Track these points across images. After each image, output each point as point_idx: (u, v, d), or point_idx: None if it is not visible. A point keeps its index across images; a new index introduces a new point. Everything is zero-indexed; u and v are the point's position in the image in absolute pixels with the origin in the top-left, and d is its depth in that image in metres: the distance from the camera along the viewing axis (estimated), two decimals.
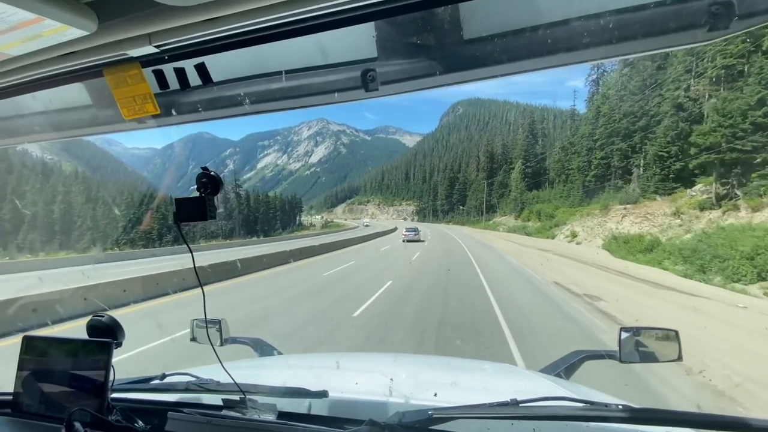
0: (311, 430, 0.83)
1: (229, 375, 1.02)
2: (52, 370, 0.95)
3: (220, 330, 1.62)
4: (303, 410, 1.04)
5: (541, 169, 61.22)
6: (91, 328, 1.00)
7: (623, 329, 1.44)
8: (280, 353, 1.92)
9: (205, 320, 1.30)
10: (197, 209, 0.73)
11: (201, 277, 1.00)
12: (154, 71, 0.69)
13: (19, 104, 0.98)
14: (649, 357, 1.42)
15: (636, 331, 1.43)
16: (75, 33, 0.51)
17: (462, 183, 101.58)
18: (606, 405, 0.85)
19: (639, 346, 1.42)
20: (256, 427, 0.82)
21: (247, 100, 0.76)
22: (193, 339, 1.77)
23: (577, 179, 42.26)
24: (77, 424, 0.77)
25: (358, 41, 0.80)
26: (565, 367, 1.61)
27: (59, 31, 0.50)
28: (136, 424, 0.91)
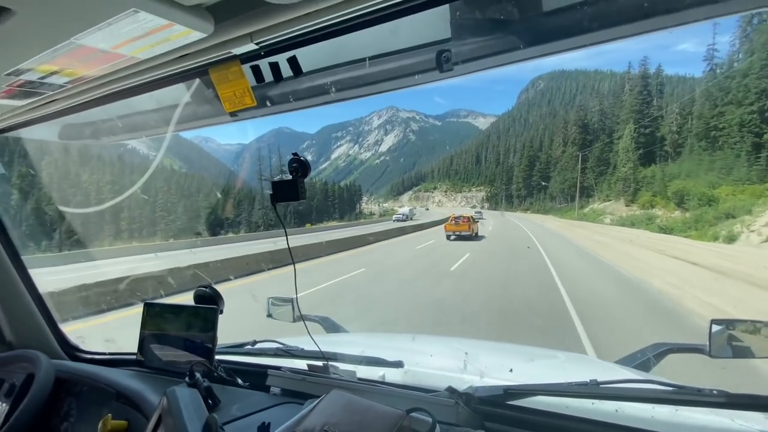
0: (393, 392, 0.89)
1: (315, 342, 1.13)
2: (168, 331, 1.15)
3: (292, 308, 1.71)
4: (378, 379, 1.12)
5: (656, 138, 43.42)
6: (198, 297, 1.19)
7: (714, 321, 1.25)
8: (345, 332, 2.03)
9: (284, 298, 1.44)
10: (290, 191, 0.83)
11: (292, 256, 1.10)
12: (251, 66, 0.79)
13: (136, 103, 1.17)
14: (743, 352, 1.22)
15: (730, 323, 1.24)
16: (195, 36, 0.61)
17: (544, 162, 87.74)
18: (698, 389, 0.78)
19: (732, 339, 1.23)
20: (344, 387, 0.91)
21: (333, 88, 0.83)
22: (269, 315, 1.88)
23: (738, 141, 26.30)
24: (198, 374, 0.92)
25: (432, 23, 0.82)
26: (643, 360, 1.47)
27: (183, 35, 0.60)
28: (237, 381, 1.07)
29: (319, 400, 0.70)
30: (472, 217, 22.24)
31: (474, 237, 19.82)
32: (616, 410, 0.86)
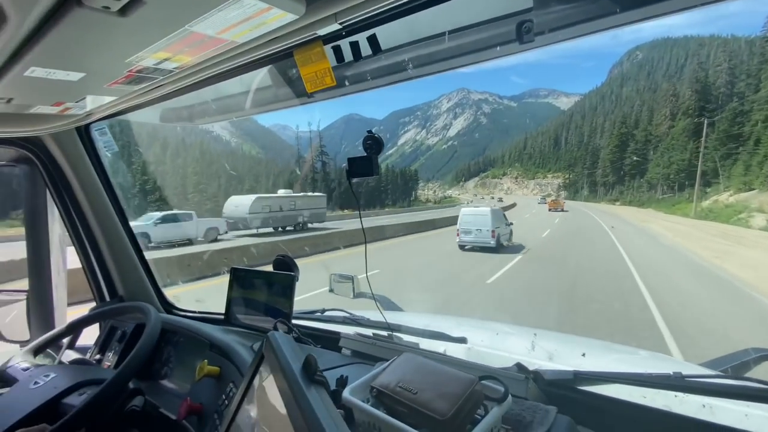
0: (459, 361, 0.90)
1: (381, 313, 1.18)
2: (251, 294, 1.28)
3: (352, 284, 1.77)
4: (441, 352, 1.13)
5: None
6: (277, 264, 1.30)
7: None
8: (401, 311, 2.06)
9: (350, 275, 1.50)
10: (365, 167, 0.87)
11: (365, 236, 1.13)
12: (332, 47, 0.82)
13: (225, 86, 1.28)
14: None
15: None
16: (288, 18, 0.65)
17: (641, 141, 73.80)
18: None
19: None
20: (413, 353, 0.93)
21: (410, 65, 0.84)
22: (331, 290, 1.94)
23: None
24: (279, 331, 1.02)
25: None
26: (733, 365, 1.27)
27: (277, 18, 0.64)
28: (311, 342, 1.16)
29: (391, 360, 0.73)
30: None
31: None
32: (704, 406, 0.77)
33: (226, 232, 17.37)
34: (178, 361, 1.31)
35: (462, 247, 13.46)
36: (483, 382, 0.65)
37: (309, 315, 1.42)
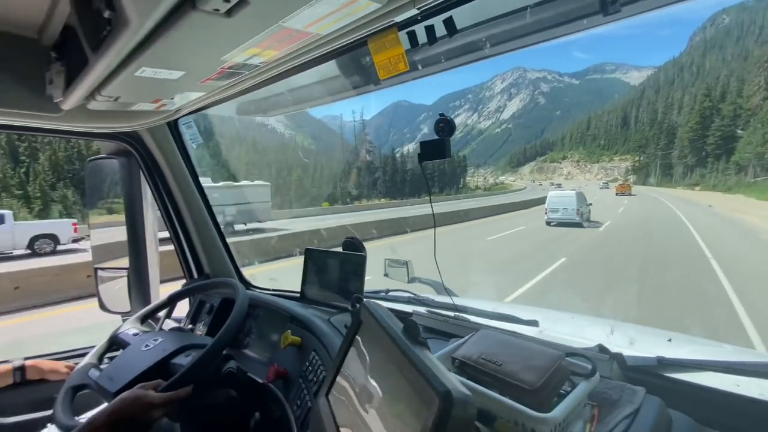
0: (537, 341, 0.90)
1: (448, 293, 1.20)
2: (324, 272, 1.36)
3: (407, 269, 1.79)
4: None
5: None
6: (346, 245, 1.37)
7: None
8: (457, 297, 2.05)
9: (399, 261, 1.55)
10: (437, 149, 0.88)
11: (435, 220, 1.14)
12: (407, 32, 0.83)
13: (300, 78, 1.35)
14: None
15: None
16: (372, 7, 0.67)
17: (728, 117, 65.21)
18: None
19: None
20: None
21: (487, 44, 0.83)
22: (386, 275, 1.96)
23: None
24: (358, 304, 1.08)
25: None
26: None
27: (362, 8, 0.67)
28: None
29: (469, 336, 0.75)
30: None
31: None
32: None
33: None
34: (259, 332, 1.44)
35: (548, 223, 16.98)
36: (568, 359, 0.65)
37: (375, 294, 1.48)
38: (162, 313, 1.50)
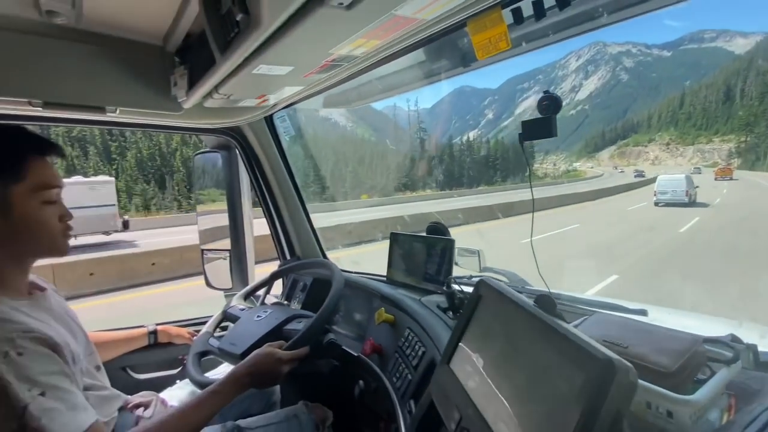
0: (652, 325, 0.84)
1: (543, 280, 1.16)
2: (410, 255, 1.40)
3: (478, 258, 1.80)
4: None
5: None
6: (431, 230, 1.39)
7: None
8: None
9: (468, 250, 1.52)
10: (542, 128, 0.86)
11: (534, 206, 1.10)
12: (511, 9, 0.82)
13: (388, 66, 1.37)
14: None
15: None
16: None
17: None
18: None
19: None
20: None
21: (604, 12, 0.78)
22: (456, 264, 2.04)
23: None
24: (454, 286, 1.09)
25: None
26: None
27: None
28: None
29: (581, 320, 0.74)
30: None
31: None
32: None
33: None
34: (347, 309, 1.53)
35: (656, 204, 18.99)
36: (705, 345, 0.61)
37: (459, 279, 1.49)
38: (262, 291, 1.67)
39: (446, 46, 1.20)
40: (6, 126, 0.85)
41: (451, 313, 1.05)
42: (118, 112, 1.38)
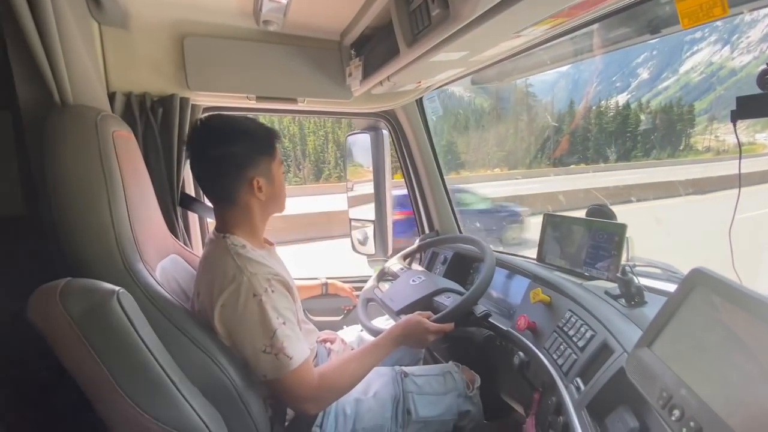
0: None
1: (736, 274, 1.02)
2: (566, 238, 1.35)
3: (626, 245, 1.59)
4: None
5: None
6: (591, 213, 1.32)
7: None
8: None
9: None
10: (763, 106, 0.74)
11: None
12: None
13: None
14: None
15: None
16: None
17: None
18: None
19: None
20: None
21: None
22: None
23: None
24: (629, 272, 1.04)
25: None
26: None
27: None
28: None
29: None
30: None
31: None
32: None
33: None
34: (493, 286, 1.57)
35: None
36: None
37: (632, 267, 1.40)
38: (409, 257, 1.84)
39: (631, 14, 1.10)
40: (260, 123, 1.11)
41: (623, 300, 1.02)
42: (306, 102, 1.65)
